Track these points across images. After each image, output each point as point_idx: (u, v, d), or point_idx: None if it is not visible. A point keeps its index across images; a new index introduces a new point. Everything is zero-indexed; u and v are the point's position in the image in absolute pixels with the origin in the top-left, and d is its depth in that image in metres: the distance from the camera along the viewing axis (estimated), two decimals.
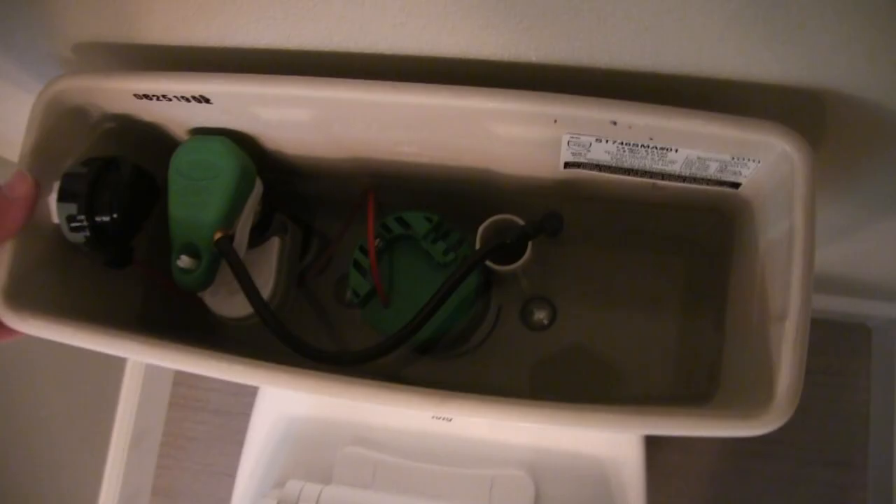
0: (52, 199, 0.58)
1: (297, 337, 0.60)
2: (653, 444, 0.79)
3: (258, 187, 0.64)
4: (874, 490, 1.22)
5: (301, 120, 0.59)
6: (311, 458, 0.82)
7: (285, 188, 0.74)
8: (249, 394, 1.39)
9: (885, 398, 1.20)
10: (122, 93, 0.59)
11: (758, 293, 0.55)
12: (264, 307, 0.60)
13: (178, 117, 0.63)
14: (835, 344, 1.28)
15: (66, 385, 1.15)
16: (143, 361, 0.55)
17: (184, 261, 0.60)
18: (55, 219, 0.58)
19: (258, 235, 0.69)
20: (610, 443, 0.77)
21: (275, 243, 0.71)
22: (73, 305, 0.60)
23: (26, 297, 0.56)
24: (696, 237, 0.72)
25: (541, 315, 0.77)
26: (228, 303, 0.69)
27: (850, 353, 1.28)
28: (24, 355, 1.02)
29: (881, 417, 1.22)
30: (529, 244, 0.66)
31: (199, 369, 0.53)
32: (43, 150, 0.58)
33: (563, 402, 0.51)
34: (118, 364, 1.31)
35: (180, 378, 1.43)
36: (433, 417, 0.78)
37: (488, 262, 0.66)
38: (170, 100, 0.58)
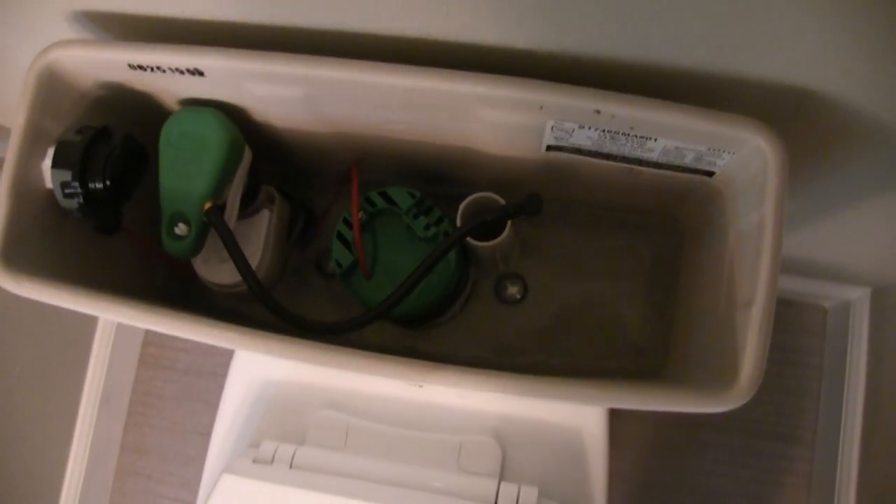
0: (47, 165, 0.59)
1: (281, 304, 0.62)
2: (612, 415, 0.82)
3: (247, 156, 0.65)
4: (819, 463, 1.27)
5: (292, 96, 0.60)
6: (286, 420, 0.83)
7: (273, 163, 0.75)
8: (219, 354, 1.41)
9: (836, 377, 1.24)
10: (116, 63, 0.59)
11: (726, 280, 0.57)
12: (250, 273, 0.61)
13: (170, 88, 0.64)
14: (791, 323, 1.32)
15: (38, 342, 1.16)
16: (138, 326, 0.56)
17: (181, 228, 0.61)
18: (49, 184, 0.59)
19: (246, 206, 0.70)
20: (574, 412, 0.80)
21: (265, 216, 0.73)
22: (65, 270, 0.62)
23: (21, 261, 0.58)
24: (665, 223, 0.75)
25: (513, 290, 0.79)
26: (218, 270, 0.70)
27: (806, 333, 1.32)
28: None
29: (831, 395, 1.26)
30: (509, 223, 0.68)
31: (191, 334, 0.55)
32: (36, 117, 0.59)
33: (539, 376, 0.53)
34: (89, 323, 1.31)
35: (150, 338, 1.43)
36: (405, 382, 0.80)
37: (468, 239, 0.68)
38: (164, 71, 0.59)
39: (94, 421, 1.31)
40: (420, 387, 0.82)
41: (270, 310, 0.62)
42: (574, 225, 0.79)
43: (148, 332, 1.44)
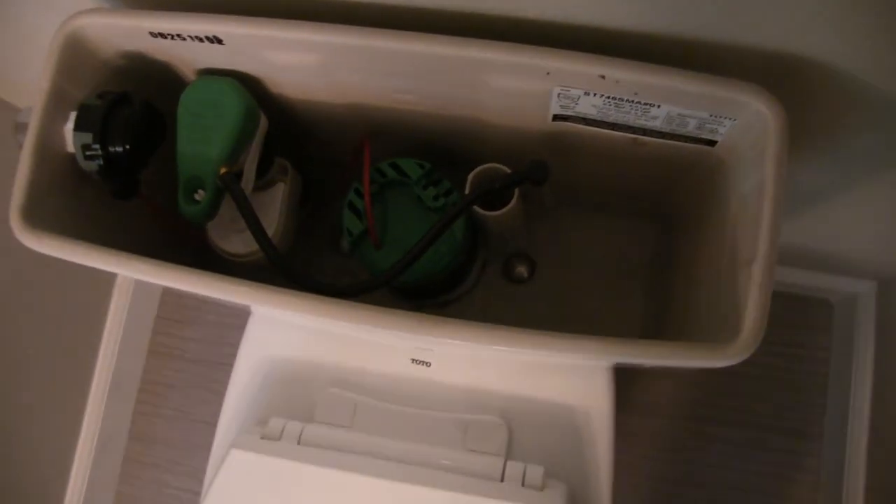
0: (69, 128, 0.61)
1: (292, 265, 0.64)
2: (619, 404, 0.82)
3: (263, 124, 0.67)
4: (827, 459, 1.27)
5: (308, 64, 0.62)
6: (294, 397, 0.84)
7: (288, 142, 0.77)
8: (227, 344, 1.42)
9: (843, 371, 1.24)
10: (138, 30, 0.61)
11: (728, 245, 0.59)
12: (263, 235, 0.63)
13: (189, 57, 0.65)
14: (797, 317, 1.32)
15: (50, 329, 1.17)
16: (159, 284, 0.58)
17: (199, 194, 0.63)
18: (70, 147, 0.61)
19: (260, 176, 0.72)
20: (581, 392, 0.80)
21: (280, 188, 0.75)
22: (81, 232, 0.63)
23: (41, 219, 0.59)
24: (668, 205, 0.77)
25: (521, 268, 0.81)
26: (234, 240, 0.72)
27: (812, 327, 1.32)
28: (8, 296, 1.03)
29: (838, 390, 1.26)
30: (516, 192, 0.69)
31: (203, 289, 0.57)
32: (60, 83, 0.61)
33: (544, 330, 0.55)
34: (100, 310, 1.32)
35: (160, 326, 1.44)
36: (412, 361, 0.81)
37: (476, 208, 0.69)
38: (184, 39, 0.61)
39: (102, 409, 1.32)
40: (428, 365, 0.83)
41: (282, 271, 0.63)
42: (580, 209, 0.80)
43: (157, 320, 1.45)
